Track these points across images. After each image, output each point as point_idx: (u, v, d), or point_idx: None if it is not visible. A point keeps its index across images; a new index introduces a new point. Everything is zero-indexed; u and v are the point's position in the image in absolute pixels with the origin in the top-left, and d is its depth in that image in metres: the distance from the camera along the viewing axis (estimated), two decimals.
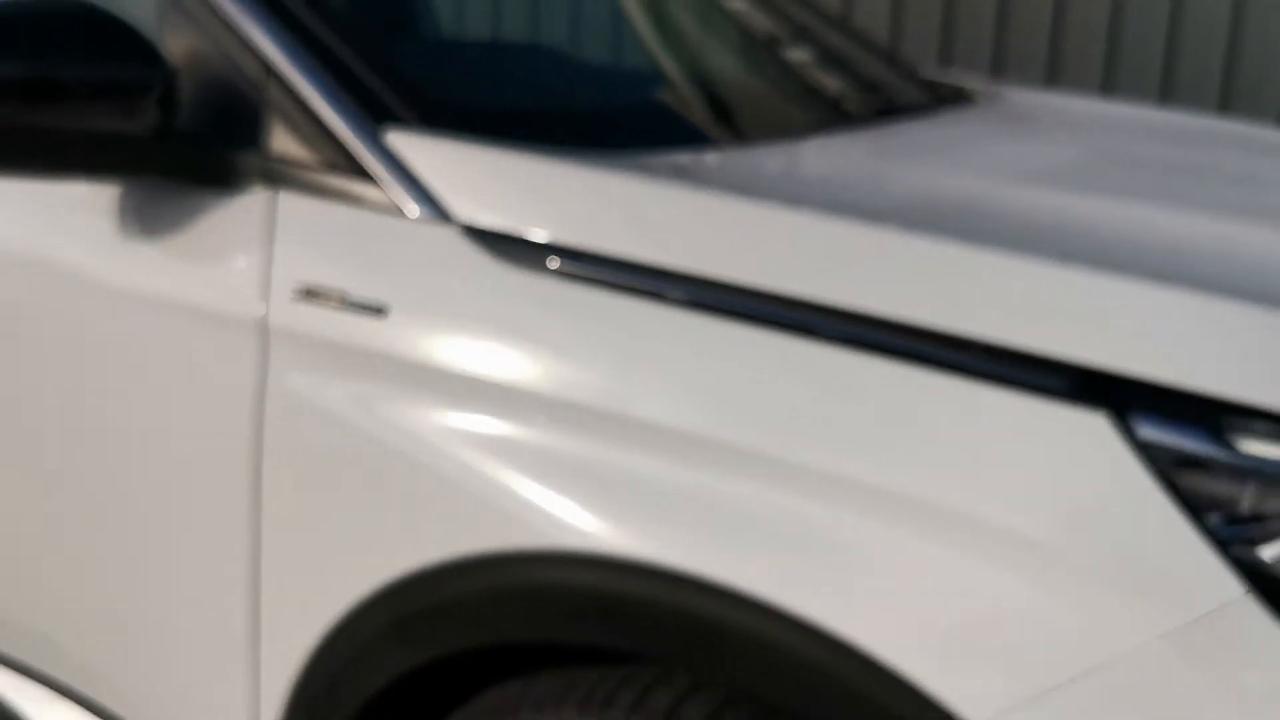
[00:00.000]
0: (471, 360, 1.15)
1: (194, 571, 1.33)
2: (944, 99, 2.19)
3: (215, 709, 1.36)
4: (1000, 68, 4.40)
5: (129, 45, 1.27)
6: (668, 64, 2.00)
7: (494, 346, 1.15)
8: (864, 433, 1.01)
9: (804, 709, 1.03)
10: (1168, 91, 4.19)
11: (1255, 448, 0.95)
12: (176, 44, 1.33)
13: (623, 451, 1.08)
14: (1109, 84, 4.26)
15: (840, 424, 1.01)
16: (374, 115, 1.27)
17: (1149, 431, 0.95)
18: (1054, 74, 4.33)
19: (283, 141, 1.28)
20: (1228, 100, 4.12)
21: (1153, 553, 0.93)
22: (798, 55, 2.26)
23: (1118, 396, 0.96)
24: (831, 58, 2.25)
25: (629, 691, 1.12)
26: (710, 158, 1.35)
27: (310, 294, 1.23)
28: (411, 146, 1.24)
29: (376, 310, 1.20)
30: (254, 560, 1.26)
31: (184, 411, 1.30)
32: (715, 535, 1.03)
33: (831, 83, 2.14)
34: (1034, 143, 1.78)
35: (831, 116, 1.88)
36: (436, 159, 1.23)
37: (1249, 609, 0.91)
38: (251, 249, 1.27)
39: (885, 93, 2.14)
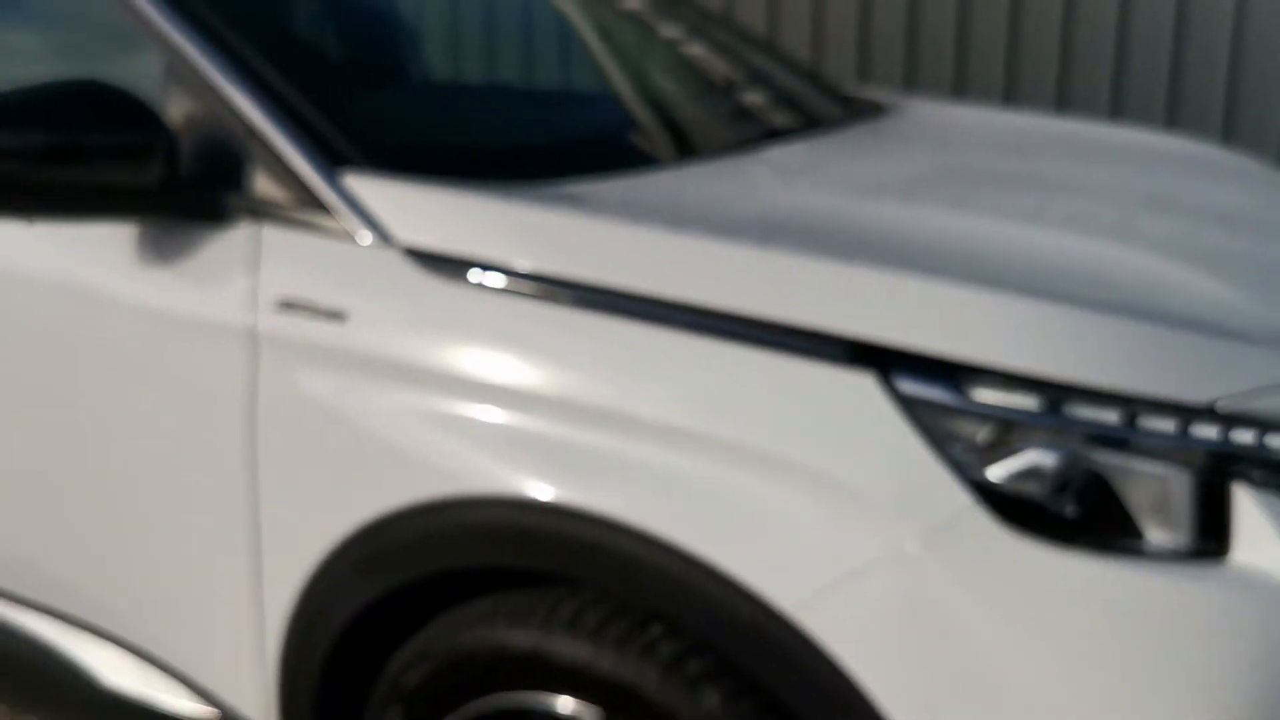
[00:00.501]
0: (411, 352, 1.48)
1: (206, 524, 1.66)
2: (859, 113, 2.51)
3: (230, 638, 1.69)
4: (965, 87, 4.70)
5: (137, 114, 1.60)
6: (592, 99, 2.33)
7: (428, 341, 1.48)
8: (700, 395, 1.33)
9: (665, 609, 1.36)
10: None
11: (986, 396, 1.27)
12: (176, 110, 1.67)
13: (524, 418, 1.41)
14: (1115, 103, 4.54)
15: (679, 387, 1.33)
16: (332, 160, 1.59)
17: (906, 386, 1.27)
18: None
19: (263, 185, 1.61)
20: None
21: (908, 476, 1.25)
22: (720, 78, 2.59)
23: (883, 361, 1.28)
24: (757, 79, 2.57)
25: (543, 608, 1.45)
26: (605, 185, 1.67)
27: (288, 305, 1.56)
28: (362, 185, 1.57)
29: (338, 316, 1.53)
30: (254, 513, 1.59)
31: (191, 402, 1.63)
32: (588, 477, 1.36)
33: (751, 103, 2.47)
34: (899, 158, 2.11)
35: (747, 135, 2.21)
36: (381, 195, 1.55)
37: (977, 514, 1.23)
38: (242, 271, 1.60)
39: (804, 109, 2.45)
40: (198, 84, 1.65)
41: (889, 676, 1.25)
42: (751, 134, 2.23)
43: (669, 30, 2.68)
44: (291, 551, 1.58)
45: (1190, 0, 4.42)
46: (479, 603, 1.52)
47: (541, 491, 1.37)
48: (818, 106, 2.52)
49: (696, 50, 2.65)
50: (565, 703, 1.45)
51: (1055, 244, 1.52)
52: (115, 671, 1.88)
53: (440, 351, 1.47)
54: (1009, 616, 1.22)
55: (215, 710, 1.79)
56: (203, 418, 1.62)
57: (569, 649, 1.42)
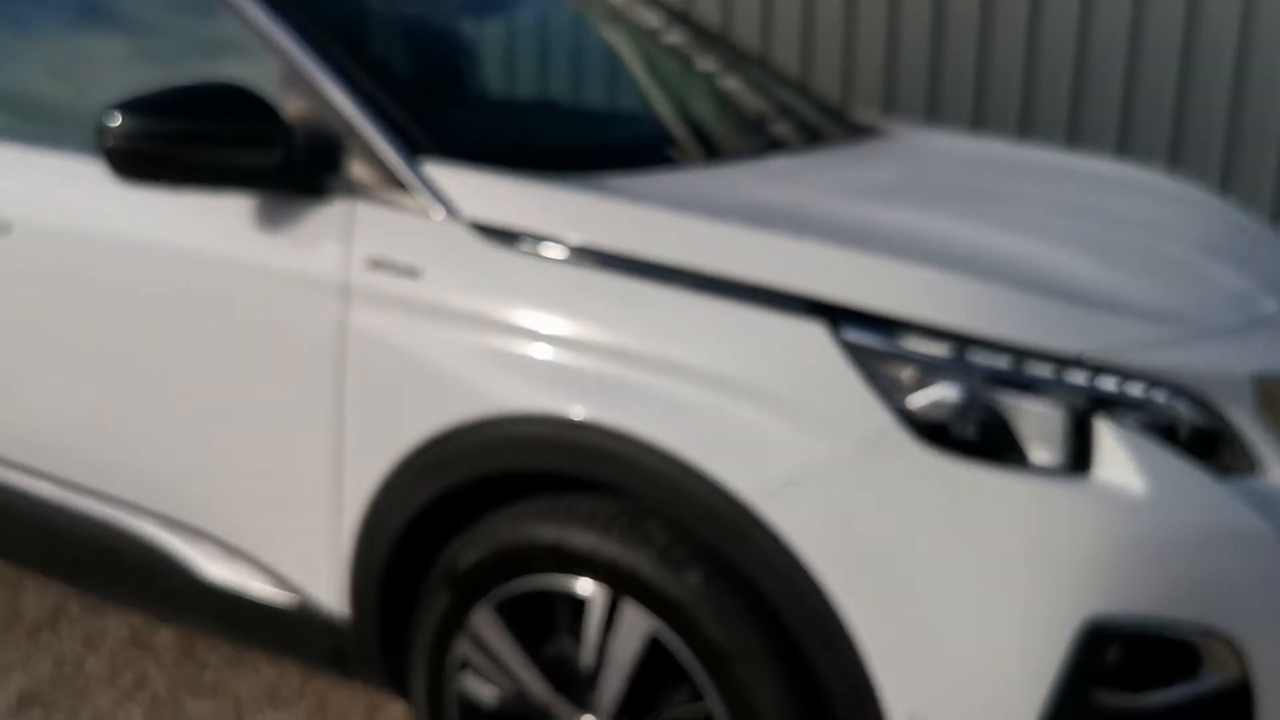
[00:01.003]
0: (471, 303, 1.89)
1: (301, 439, 2.07)
2: (857, 133, 2.92)
3: (313, 534, 2.10)
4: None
5: (261, 110, 2.02)
6: (632, 111, 2.75)
7: (484, 295, 1.88)
8: (691, 338, 1.72)
9: (660, 504, 1.75)
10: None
11: (909, 344, 1.65)
12: (290, 107, 2.09)
13: (555, 354, 1.81)
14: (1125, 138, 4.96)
15: (677, 332, 1.73)
16: (412, 149, 2.01)
17: (850, 335, 1.66)
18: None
19: (357, 169, 2.03)
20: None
21: (847, 401, 1.64)
22: (744, 100, 3.01)
23: (832, 315, 1.67)
24: (781, 106, 2.99)
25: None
26: (634, 179, 2.07)
27: (375, 264, 1.98)
28: (436, 170, 1.98)
29: (414, 274, 1.94)
30: (340, 429, 2.00)
31: (294, 341, 2.05)
32: (603, 398, 1.76)
33: (767, 121, 2.88)
34: (876, 169, 2.51)
35: (763, 145, 2.62)
36: (452, 178, 1.96)
37: (897, 432, 1.61)
38: (338, 237, 2.02)
39: (811, 128, 2.87)
40: (307, 87, 2.08)
41: (826, 553, 1.63)
42: (763, 145, 2.65)
43: (704, 60, 3.11)
44: (369, 459, 1.99)
45: (1195, 48, 4.78)
46: (516, 505, 1.92)
47: (566, 409, 1.77)
48: (823, 127, 2.93)
49: (727, 77, 3.08)
50: (582, 584, 1.85)
51: (979, 236, 1.91)
52: (213, 565, 2.29)
53: (493, 302, 1.88)
54: (917, 508, 1.60)
55: (295, 596, 2.19)
56: (303, 353, 2.04)
57: (583, 540, 1.82)
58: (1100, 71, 5.14)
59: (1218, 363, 1.70)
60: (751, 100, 3.00)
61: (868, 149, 2.77)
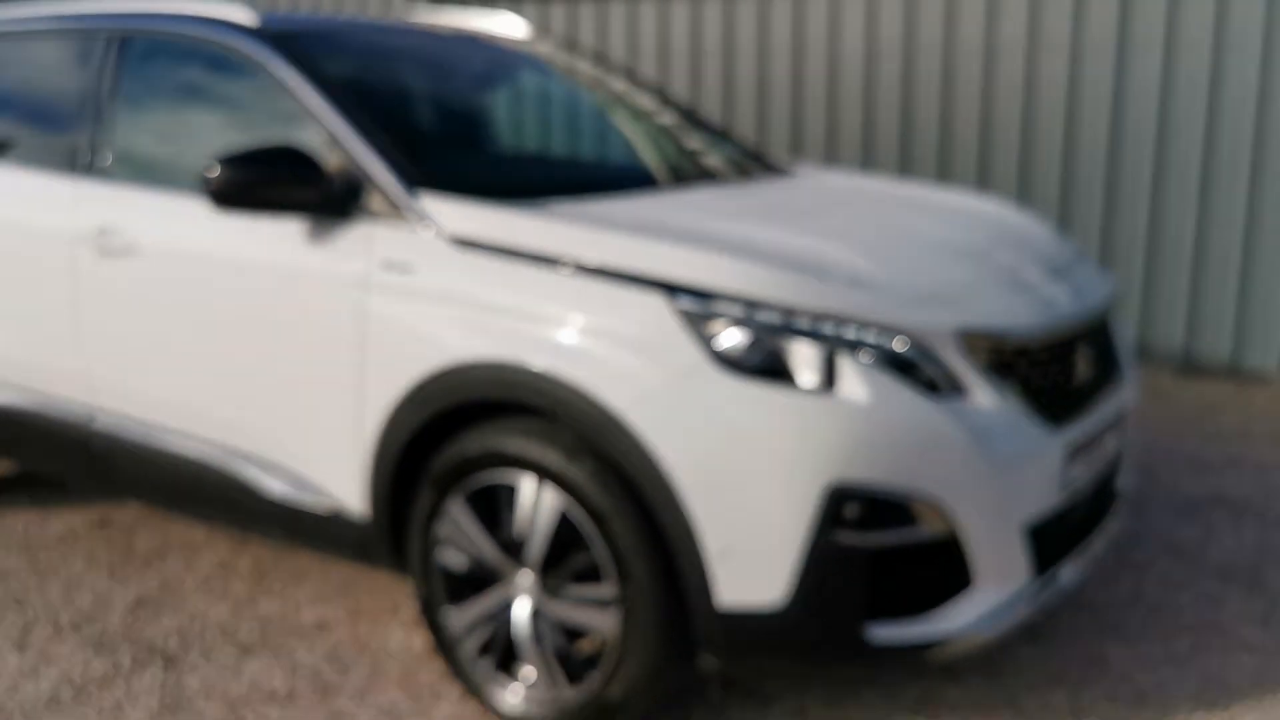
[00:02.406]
0: (446, 287, 2.79)
1: (338, 382, 2.97)
2: (769, 172, 3.82)
3: (344, 451, 3.00)
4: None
5: (309, 162, 2.97)
6: (582, 151, 3.67)
7: (455, 282, 2.79)
8: (579, 303, 2.61)
9: (564, 416, 2.63)
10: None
11: (719, 306, 2.52)
12: (329, 160, 3.03)
13: (493, 317, 2.71)
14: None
15: (569, 301, 2.61)
16: (413, 185, 2.93)
17: (680, 302, 2.54)
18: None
19: (374, 201, 2.96)
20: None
21: (677, 346, 2.50)
22: (681, 145, 3.92)
23: (671, 289, 2.54)
24: (706, 149, 3.90)
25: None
26: (567, 203, 2.97)
27: (388, 263, 2.90)
28: (430, 201, 2.90)
29: (411, 270, 2.86)
30: (363, 372, 2.91)
31: (333, 316, 2.97)
32: (525, 345, 2.64)
33: (698, 162, 3.79)
34: (761, 196, 3.40)
35: (684, 179, 3.53)
36: (437, 206, 2.88)
37: (708, 365, 2.48)
38: (363, 246, 2.95)
39: (731, 167, 3.77)
40: (340, 146, 3.03)
41: (665, 444, 2.49)
42: (684, 179, 3.56)
43: (646, 110, 4.05)
44: (380, 399, 2.90)
45: (1076, 115, 5.75)
46: (476, 426, 2.82)
47: (504, 357, 2.67)
48: (742, 165, 3.83)
49: (664, 124, 4.00)
50: (517, 477, 2.73)
51: (791, 239, 2.78)
52: (276, 484, 3.21)
53: (460, 287, 2.78)
54: (721, 412, 2.46)
55: (331, 502, 3.10)
56: (337, 324, 2.96)
57: (518, 446, 2.70)
58: (965, 120, 6.13)
59: (929, 319, 2.55)
60: (683, 144, 3.91)
61: (765, 183, 3.66)
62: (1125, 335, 3.33)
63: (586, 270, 2.64)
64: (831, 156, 6.76)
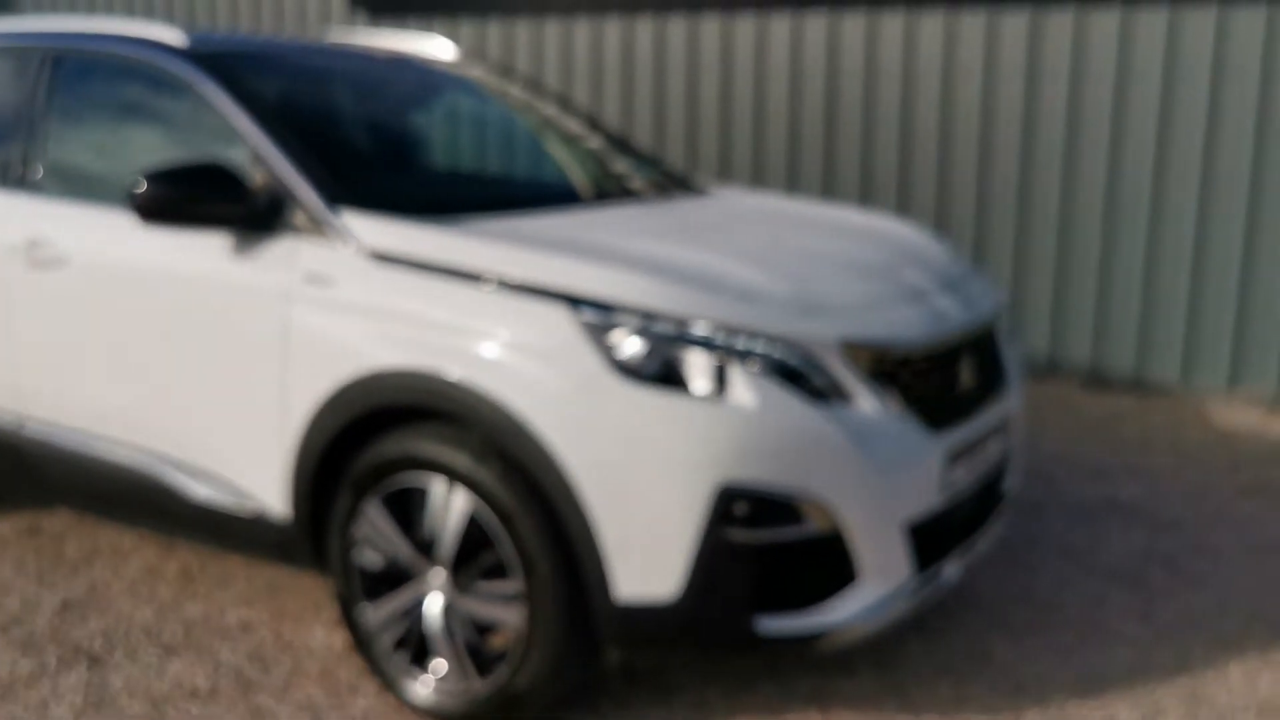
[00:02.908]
0: (363, 299, 2.93)
1: (258, 390, 3.10)
2: (688, 191, 4.00)
3: (265, 457, 3.13)
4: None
5: (233, 178, 3.10)
6: (505, 170, 3.83)
7: (371, 294, 2.93)
8: (486, 313, 2.76)
9: (472, 421, 2.78)
10: None
11: (618, 318, 2.69)
12: (254, 175, 3.16)
13: (408, 329, 2.85)
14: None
15: (477, 311, 2.77)
16: (334, 204, 3.07)
17: (585, 314, 2.70)
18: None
19: (297, 217, 3.09)
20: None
21: (578, 354, 2.67)
22: (604, 166, 4.09)
23: (574, 301, 2.71)
24: (628, 170, 4.07)
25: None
26: (483, 220, 3.12)
27: (309, 277, 3.03)
28: (349, 219, 3.04)
29: (330, 283, 2.99)
30: (284, 382, 3.04)
31: (255, 327, 3.09)
32: (434, 354, 2.79)
33: (619, 182, 3.96)
34: (674, 215, 3.58)
35: (603, 198, 3.70)
36: (359, 222, 3.02)
37: (607, 372, 2.64)
38: (286, 260, 3.08)
39: (651, 186, 3.94)
40: (264, 163, 3.16)
41: (566, 446, 2.64)
42: (603, 197, 3.73)
43: (570, 133, 4.22)
44: (300, 405, 3.03)
45: (990, 147, 6.05)
46: (390, 431, 2.95)
47: (415, 365, 2.82)
48: (663, 185, 4.01)
49: (589, 146, 4.17)
50: (429, 479, 2.87)
51: (689, 255, 2.96)
52: (201, 489, 3.33)
53: (377, 299, 2.93)
54: (617, 417, 2.62)
55: (254, 505, 3.22)
56: (261, 334, 3.09)
57: (429, 450, 2.85)
58: (887, 144, 6.38)
59: (813, 330, 2.74)
60: (605, 165, 4.09)
61: (682, 203, 3.85)
62: (1012, 346, 3.54)
63: (495, 283, 2.80)
64: (758, 179, 6.98)
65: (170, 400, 3.34)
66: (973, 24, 6.42)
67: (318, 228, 3.06)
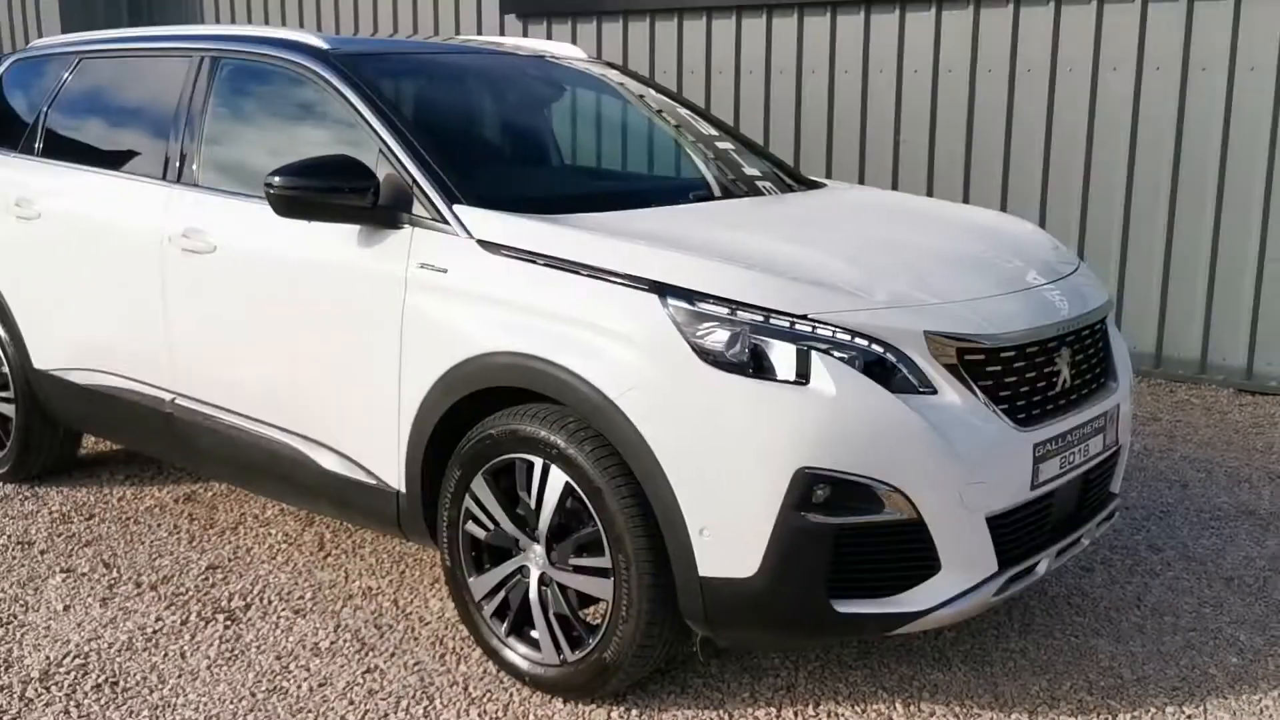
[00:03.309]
0: (476, 287, 3.11)
1: (378, 369, 3.31)
2: (803, 187, 4.07)
3: (384, 432, 3.34)
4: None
5: (363, 172, 3.32)
6: (616, 168, 3.97)
7: (483, 282, 3.10)
8: (587, 302, 2.90)
9: (570, 402, 2.92)
10: None
11: (706, 307, 2.79)
12: (380, 171, 3.38)
13: (513, 314, 3.01)
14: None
15: (580, 300, 2.91)
16: (451, 200, 3.26)
17: (671, 302, 2.81)
18: None
19: (418, 209, 3.29)
20: None
21: (666, 341, 2.78)
22: (716, 162, 4.19)
23: (662, 290, 2.82)
24: (741, 162, 4.16)
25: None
26: (592, 216, 3.26)
27: (424, 265, 3.23)
28: (464, 213, 3.22)
29: (445, 271, 3.18)
30: (399, 362, 3.24)
31: (376, 309, 3.30)
32: (540, 339, 2.94)
33: (729, 177, 4.05)
34: (780, 210, 3.66)
35: (712, 193, 3.81)
36: (472, 216, 3.20)
37: (693, 358, 2.74)
38: (405, 249, 3.28)
39: (769, 180, 4.03)
40: (391, 159, 3.37)
41: (653, 428, 2.75)
42: (712, 194, 3.83)
43: (684, 130, 4.33)
44: (416, 385, 3.23)
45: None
46: (497, 411, 3.12)
47: (520, 348, 2.97)
48: (777, 181, 4.08)
49: (702, 143, 4.27)
50: (528, 456, 3.02)
51: (785, 248, 3.03)
52: (328, 461, 3.57)
53: (486, 287, 3.10)
54: (704, 402, 2.72)
55: (374, 478, 3.44)
56: (381, 318, 3.29)
57: (531, 428, 3.00)
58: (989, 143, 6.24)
59: (898, 323, 2.78)
60: (719, 161, 4.18)
61: (792, 199, 3.91)
62: (1120, 344, 3.49)
63: (591, 273, 2.93)
64: (909, 176, 6.96)
65: (301, 378, 3.59)
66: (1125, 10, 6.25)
67: (435, 221, 3.25)
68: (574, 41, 8.05)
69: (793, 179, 4.24)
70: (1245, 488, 4.76)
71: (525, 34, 8.27)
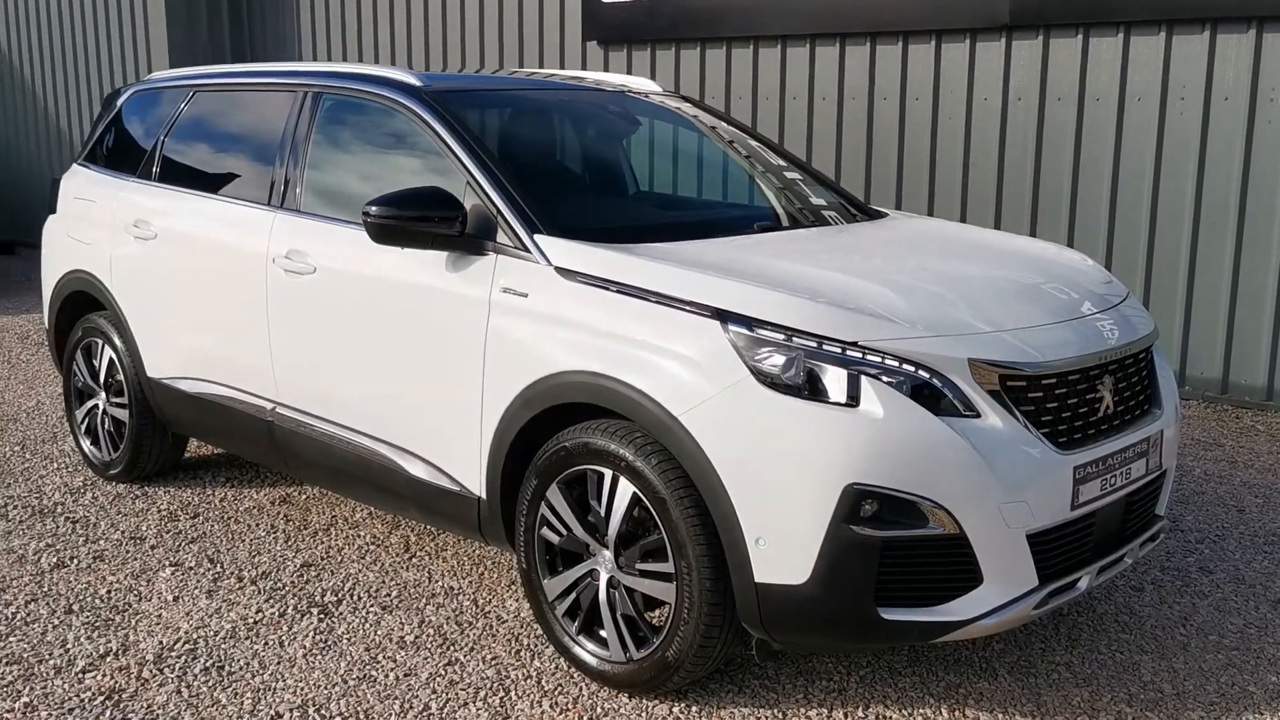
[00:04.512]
0: (554, 310, 3.37)
1: (461, 386, 3.59)
2: (867, 217, 4.29)
3: (467, 444, 3.61)
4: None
5: (451, 203, 3.60)
6: (687, 199, 4.21)
7: (561, 306, 3.36)
8: (654, 326, 3.14)
9: (637, 419, 3.16)
10: None
11: (763, 333, 3.02)
12: (467, 201, 3.66)
13: (590, 338, 3.27)
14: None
15: (648, 325, 3.16)
16: (532, 230, 3.53)
17: (731, 327, 3.04)
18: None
19: (501, 238, 3.57)
20: None
21: (727, 364, 3.01)
22: (783, 194, 4.42)
23: (724, 316, 3.05)
24: (807, 193, 4.39)
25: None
26: (660, 245, 3.50)
27: (506, 290, 3.50)
28: (544, 242, 3.49)
29: (525, 295, 3.45)
30: (482, 379, 3.52)
31: (463, 329, 3.58)
32: (610, 361, 3.19)
33: (795, 208, 4.28)
34: (839, 239, 3.88)
35: (778, 223, 4.04)
36: (550, 245, 3.47)
37: (750, 379, 2.97)
38: (489, 275, 3.56)
39: (829, 212, 4.25)
40: (477, 190, 3.66)
41: (713, 444, 2.98)
42: (779, 224, 4.06)
43: (755, 162, 4.56)
44: (497, 400, 3.50)
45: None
46: (570, 426, 3.38)
47: (592, 367, 3.23)
48: (842, 211, 4.30)
49: (770, 175, 4.50)
50: (599, 467, 3.27)
51: (835, 278, 3.25)
52: (414, 469, 3.86)
53: (563, 310, 3.36)
54: (761, 422, 2.95)
55: (457, 486, 3.72)
56: (466, 336, 3.58)
57: (601, 442, 3.25)
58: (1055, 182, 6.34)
59: (943, 350, 2.97)
60: (787, 192, 4.41)
61: (854, 229, 4.13)
62: (1166, 371, 3.64)
63: (658, 299, 3.18)
64: (977, 207, 7.14)
65: (392, 391, 3.89)
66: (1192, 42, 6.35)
67: (517, 248, 3.52)
68: (653, 68, 8.33)
69: (857, 209, 4.45)
70: None
71: (606, 61, 8.57)
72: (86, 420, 5.38)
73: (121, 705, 3.32)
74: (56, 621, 3.86)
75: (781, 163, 4.64)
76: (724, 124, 4.88)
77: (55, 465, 5.53)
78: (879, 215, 4.46)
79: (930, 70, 7.20)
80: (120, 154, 5.36)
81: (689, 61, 8.20)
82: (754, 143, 4.75)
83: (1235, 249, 6.38)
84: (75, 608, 3.96)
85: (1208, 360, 6.51)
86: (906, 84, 7.31)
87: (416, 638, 3.73)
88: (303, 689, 3.42)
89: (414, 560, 4.36)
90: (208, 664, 3.57)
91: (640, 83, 4.91)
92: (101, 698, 3.36)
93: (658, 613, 3.32)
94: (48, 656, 3.61)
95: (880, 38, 7.36)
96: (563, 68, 8.78)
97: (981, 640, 3.65)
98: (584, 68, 8.64)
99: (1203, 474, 5.35)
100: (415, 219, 3.59)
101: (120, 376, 5.11)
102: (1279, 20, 6.08)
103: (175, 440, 5.21)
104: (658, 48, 8.32)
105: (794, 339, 2.99)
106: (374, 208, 3.57)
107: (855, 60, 7.48)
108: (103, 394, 5.25)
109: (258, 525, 4.74)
